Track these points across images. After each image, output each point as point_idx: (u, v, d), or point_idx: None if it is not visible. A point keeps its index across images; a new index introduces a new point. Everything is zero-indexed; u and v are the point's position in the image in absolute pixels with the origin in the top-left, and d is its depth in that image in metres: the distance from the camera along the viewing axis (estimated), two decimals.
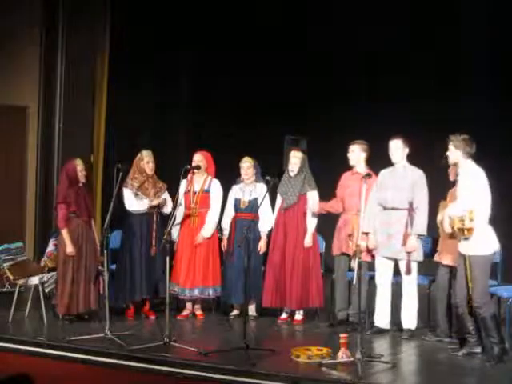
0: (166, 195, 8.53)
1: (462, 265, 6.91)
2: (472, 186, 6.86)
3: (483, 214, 6.88)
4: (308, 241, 8.32)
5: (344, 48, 10.89)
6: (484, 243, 6.86)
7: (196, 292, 8.50)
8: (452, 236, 7.03)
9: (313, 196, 8.40)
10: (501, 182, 7.38)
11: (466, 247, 6.87)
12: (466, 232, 6.80)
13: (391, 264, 7.80)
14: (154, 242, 8.37)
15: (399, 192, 7.67)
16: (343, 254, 8.07)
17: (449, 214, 6.98)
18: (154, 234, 8.38)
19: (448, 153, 7.08)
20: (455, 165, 7.06)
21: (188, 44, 11.39)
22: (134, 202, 8.38)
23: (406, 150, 7.79)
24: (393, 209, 7.70)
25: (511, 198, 9.44)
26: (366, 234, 7.73)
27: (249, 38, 11.33)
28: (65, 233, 8.08)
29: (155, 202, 8.36)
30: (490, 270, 7.02)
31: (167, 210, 8.45)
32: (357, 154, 8.16)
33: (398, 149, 7.76)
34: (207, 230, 8.52)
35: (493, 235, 6.95)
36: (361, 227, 7.18)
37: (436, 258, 7.68)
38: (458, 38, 10.29)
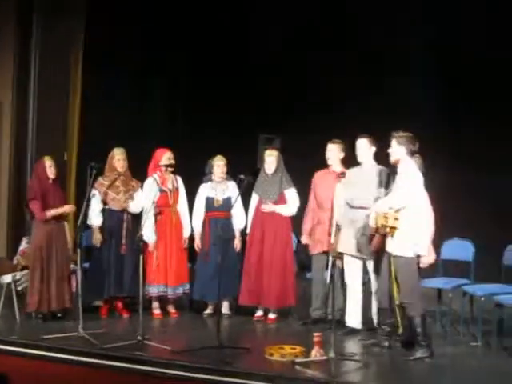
0: (139, 193, 8.50)
1: (387, 262, 6.93)
2: (408, 186, 6.80)
3: (413, 217, 6.78)
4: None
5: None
6: (408, 245, 6.80)
7: (180, 289, 8.52)
8: (377, 231, 6.99)
9: (291, 194, 8.42)
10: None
11: (391, 246, 6.86)
12: (388, 230, 6.77)
13: (359, 263, 7.77)
14: (124, 241, 8.36)
15: (365, 191, 7.61)
16: (324, 252, 8.04)
17: (375, 209, 6.98)
18: (124, 233, 8.37)
19: (390, 149, 7.03)
20: (396, 162, 6.98)
21: (163, 43, 11.39)
22: (95, 216, 8.34)
23: (373, 149, 7.76)
24: (360, 207, 7.66)
25: (489, 199, 9.58)
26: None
27: (234, 40, 11.35)
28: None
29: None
30: (467, 268, 6.99)
31: (136, 209, 8.42)
32: (335, 153, 8.17)
33: (364, 148, 7.76)
34: (188, 230, 8.60)
35: (422, 239, 6.83)
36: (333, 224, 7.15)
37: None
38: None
